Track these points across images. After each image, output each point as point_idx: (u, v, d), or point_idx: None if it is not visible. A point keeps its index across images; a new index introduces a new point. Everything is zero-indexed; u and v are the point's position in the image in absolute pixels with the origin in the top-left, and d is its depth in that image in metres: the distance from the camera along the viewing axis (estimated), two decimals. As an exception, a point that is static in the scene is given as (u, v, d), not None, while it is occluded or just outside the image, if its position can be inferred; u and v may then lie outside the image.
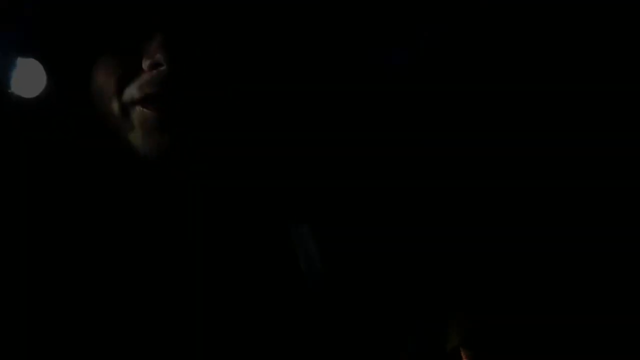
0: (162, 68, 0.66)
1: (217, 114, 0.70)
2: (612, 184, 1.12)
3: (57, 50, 0.69)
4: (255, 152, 0.77)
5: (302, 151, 0.82)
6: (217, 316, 0.69)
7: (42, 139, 0.69)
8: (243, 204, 0.75)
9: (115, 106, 0.67)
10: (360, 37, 1.26)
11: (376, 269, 0.79)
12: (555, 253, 1.11)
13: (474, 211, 1.12)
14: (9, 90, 0.71)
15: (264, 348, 0.70)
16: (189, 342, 0.67)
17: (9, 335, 0.64)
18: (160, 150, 0.66)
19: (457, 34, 1.30)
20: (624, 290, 1.12)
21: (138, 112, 0.67)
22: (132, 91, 0.67)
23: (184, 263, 0.70)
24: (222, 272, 0.71)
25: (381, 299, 0.78)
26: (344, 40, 1.03)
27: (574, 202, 1.13)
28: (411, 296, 0.81)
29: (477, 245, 1.06)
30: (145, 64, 0.66)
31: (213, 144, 0.70)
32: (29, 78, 0.71)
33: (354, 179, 0.88)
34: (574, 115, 1.16)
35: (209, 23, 0.69)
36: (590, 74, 1.16)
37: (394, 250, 0.82)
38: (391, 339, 0.78)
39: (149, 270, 0.69)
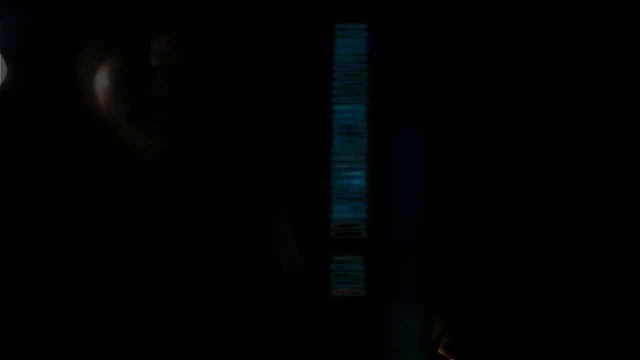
0: (176, 66, 0.63)
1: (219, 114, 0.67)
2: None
3: (29, 43, 0.66)
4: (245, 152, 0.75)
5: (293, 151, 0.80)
6: (201, 316, 0.68)
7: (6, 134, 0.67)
8: (226, 203, 0.73)
9: (117, 107, 0.64)
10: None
11: (359, 268, 0.78)
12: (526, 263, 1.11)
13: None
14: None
15: (247, 348, 0.69)
16: (171, 343, 0.66)
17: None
18: (162, 153, 0.64)
19: (434, 25, 1.30)
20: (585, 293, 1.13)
21: (149, 115, 0.64)
22: (142, 93, 0.64)
23: (168, 261, 0.69)
24: (207, 271, 0.70)
25: (363, 298, 0.76)
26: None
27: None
28: (391, 292, 0.80)
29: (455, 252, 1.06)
30: (156, 62, 0.64)
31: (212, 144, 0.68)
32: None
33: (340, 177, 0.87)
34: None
35: (216, 19, 0.66)
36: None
37: (377, 250, 0.81)
38: (374, 338, 0.77)
39: (131, 269, 0.67)
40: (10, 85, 0.69)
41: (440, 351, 1.13)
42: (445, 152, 1.00)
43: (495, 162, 1.08)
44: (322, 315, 0.74)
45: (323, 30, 0.75)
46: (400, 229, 0.82)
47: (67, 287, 0.66)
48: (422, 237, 0.85)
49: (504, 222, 1.06)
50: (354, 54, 0.75)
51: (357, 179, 0.78)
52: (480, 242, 1.07)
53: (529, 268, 1.10)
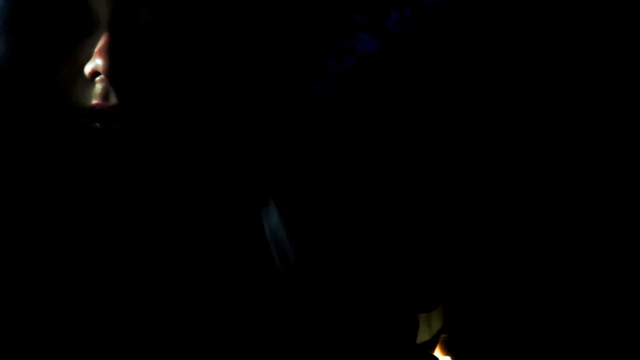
0: (100, 76, 0.60)
1: (164, 120, 0.64)
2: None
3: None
4: (211, 150, 0.72)
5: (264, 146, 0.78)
6: (187, 314, 0.66)
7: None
8: (206, 201, 0.71)
9: (61, 109, 0.62)
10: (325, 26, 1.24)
11: (353, 262, 0.77)
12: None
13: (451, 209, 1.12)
14: None
15: (236, 345, 0.66)
16: (156, 342, 0.64)
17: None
18: (105, 161, 0.61)
19: (425, 21, 1.30)
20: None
21: (81, 122, 0.61)
22: (75, 99, 0.62)
23: (146, 263, 0.67)
24: (191, 271, 0.68)
25: (358, 293, 0.75)
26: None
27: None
28: (388, 290, 0.79)
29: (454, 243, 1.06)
30: (87, 70, 0.61)
31: (165, 147, 0.65)
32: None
33: (327, 171, 0.86)
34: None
35: (159, 23, 0.63)
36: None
37: (372, 244, 0.80)
38: (369, 334, 0.75)
39: (110, 271, 0.65)
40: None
41: (438, 349, 1.12)
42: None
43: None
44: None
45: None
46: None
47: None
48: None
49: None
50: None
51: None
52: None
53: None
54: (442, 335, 1.10)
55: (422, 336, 1.06)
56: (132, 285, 0.64)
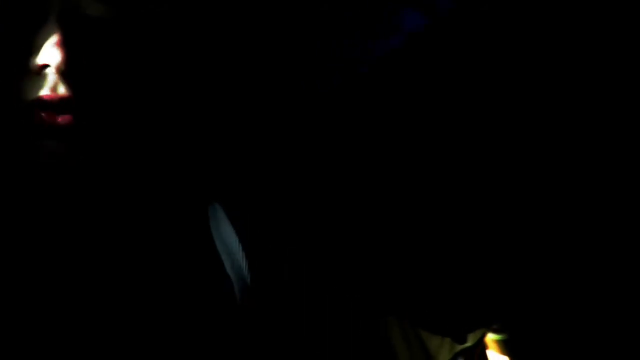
0: (50, 69, 0.60)
1: (114, 117, 0.64)
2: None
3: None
4: (163, 152, 0.72)
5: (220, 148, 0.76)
6: (140, 327, 0.66)
7: None
8: (159, 208, 0.71)
9: (8, 105, 0.61)
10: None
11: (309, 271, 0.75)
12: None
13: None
14: None
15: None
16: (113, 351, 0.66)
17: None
18: (52, 157, 0.61)
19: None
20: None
21: (30, 115, 0.61)
22: (20, 92, 0.61)
23: (88, 264, 0.66)
24: (146, 283, 0.68)
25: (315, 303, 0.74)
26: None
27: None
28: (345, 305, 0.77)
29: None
30: (34, 63, 0.60)
31: (114, 146, 0.65)
32: None
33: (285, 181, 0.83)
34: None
35: (110, 18, 0.63)
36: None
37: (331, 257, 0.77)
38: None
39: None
40: None
41: (492, 346, 1.12)
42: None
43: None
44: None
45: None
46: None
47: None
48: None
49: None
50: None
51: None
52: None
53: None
54: (495, 337, 1.10)
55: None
56: (72, 292, 0.65)
